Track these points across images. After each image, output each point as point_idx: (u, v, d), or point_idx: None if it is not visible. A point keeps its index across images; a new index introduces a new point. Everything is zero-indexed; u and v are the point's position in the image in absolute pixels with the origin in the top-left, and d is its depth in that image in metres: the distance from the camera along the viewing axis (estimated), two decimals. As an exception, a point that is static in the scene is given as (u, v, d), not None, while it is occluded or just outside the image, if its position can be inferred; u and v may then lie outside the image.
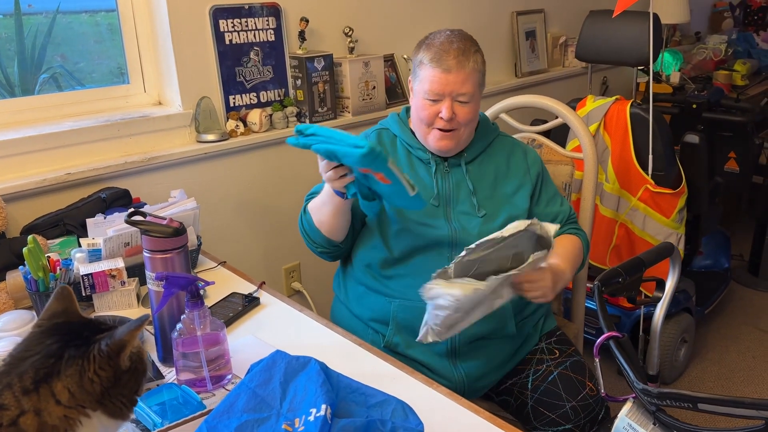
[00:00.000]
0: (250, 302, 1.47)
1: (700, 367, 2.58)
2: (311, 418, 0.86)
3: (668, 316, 2.40)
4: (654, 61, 2.21)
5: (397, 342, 1.44)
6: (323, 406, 0.86)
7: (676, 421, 1.05)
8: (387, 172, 1.23)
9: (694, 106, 2.79)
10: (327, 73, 2.24)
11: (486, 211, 1.46)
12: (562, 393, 1.41)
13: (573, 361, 1.46)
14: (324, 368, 0.96)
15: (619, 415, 1.10)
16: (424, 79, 1.42)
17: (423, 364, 1.43)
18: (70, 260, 1.44)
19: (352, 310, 1.55)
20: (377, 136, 1.56)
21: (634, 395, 1.11)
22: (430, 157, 1.49)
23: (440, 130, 1.43)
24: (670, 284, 1.32)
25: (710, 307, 2.74)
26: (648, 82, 2.22)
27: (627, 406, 1.11)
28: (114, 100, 2.04)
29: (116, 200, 1.73)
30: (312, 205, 1.48)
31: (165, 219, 1.23)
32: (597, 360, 1.19)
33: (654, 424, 1.08)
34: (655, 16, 2.19)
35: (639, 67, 2.45)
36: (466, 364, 1.43)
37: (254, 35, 2.13)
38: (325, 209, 1.43)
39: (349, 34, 2.32)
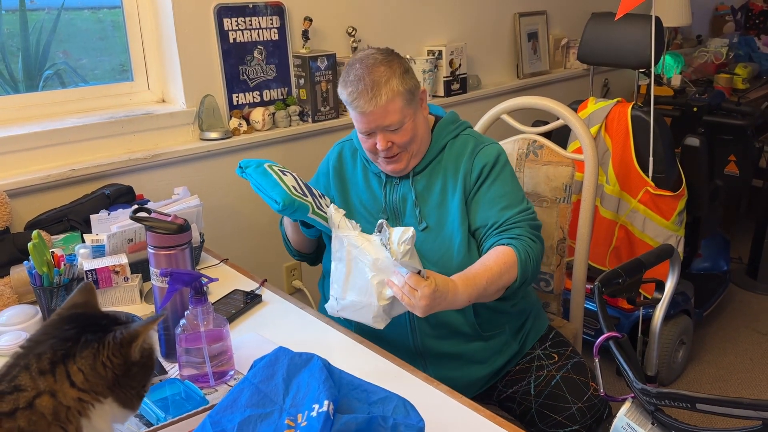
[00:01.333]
0: (252, 299, 1.48)
1: (698, 369, 2.59)
2: (314, 413, 0.87)
3: (667, 317, 2.40)
4: (655, 63, 2.22)
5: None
6: (326, 402, 0.87)
7: (675, 421, 1.06)
8: (310, 220, 1.35)
9: (695, 109, 2.80)
10: (330, 72, 2.25)
11: (428, 223, 1.44)
12: (568, 396, 1.41)
13: (574, 362, 1.47)
14: (326, 365, 0.97)
15: (617, 415, 1.11)
16: (353, 117, 1.42)
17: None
18: (74, 256, 1.45)
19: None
20: (339, 150, 1.59)
21: (632, 395, 1.12)
22: (380, 171, 1.50)
23: (384, 158, 1.44)
24: (669, 286, 1.33)
25: (709, 309, 2.75)
26: (649, 85, 2.23)
27: (626, 406, 1.12)
28: (118, 98, 2.05)
29: (120, 197, 1.74)
30: (284, 219, 1.58)
31: (169, 216, 1.24)
32: (596, 360, 1.20)
33: (652, 423, 1.09)
34: (657, 19, 2.20)
35: (640, 70, 2.46)
36: (435, 368, 1.41)
37: (258, 34, 2.14)
38: (288, 224, 1.55)
39: (353, 33, 2.33)
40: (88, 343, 0.75)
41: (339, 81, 1.44)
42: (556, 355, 1.49)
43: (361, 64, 1.39)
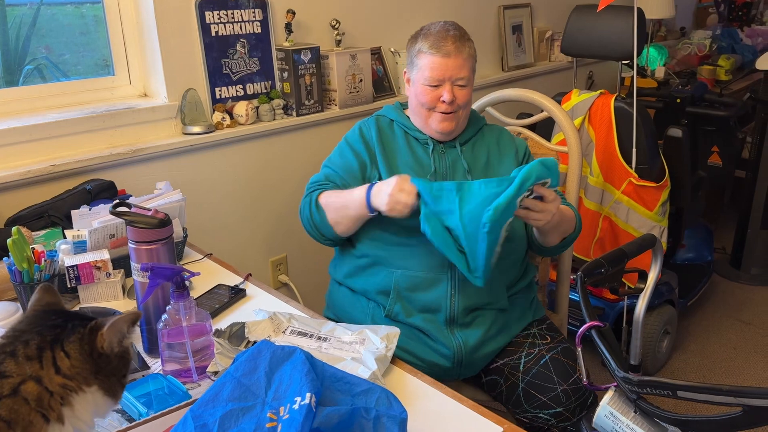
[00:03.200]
0: (236, 294, 1.47)
1: (682, 358, 2.61)
2: (296, 406, 0.87)
3: (651, 307, 2.43)
4: (638, 55, 2.23)
5: (397, 311, 1.49)
6: (308, 395, 0.87)
7: (657, 409, 1.07)
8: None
9: (678, 100, 2.82)
10: (314, 65, 2.23)
11: None
12: (554, 376, 1.44)
13: (564, 347, 1.51)
14: (309, 358, 0.96)
15: (600, 404, 1.12)
16: (423, 67, 1.51)
17: (423, 331, 1.48)
18: (55, 252, 1.43)
19: (353, 286, 1.58)
20: (375, 121, 1.64)
21: (615, 384, 1.13)
22: (428, 138, 1.58)
23: (441, 113, 1.53)
24: (652, 275, 1.34)
25: (693, 299, 2.78)
26: (632, 77, 2.24)
27: (609, 395, 1.13)
28: (99, 92, 2.03)
29: (101, 192, 1.72)
30: (328, 203, 1.52)
31: (150, 210, 1.23)
32: (579, 349, 1.21)
33: (635, 411, 1.10)
34: (639, 11, 2.21)
35: (624, 62, 2.47)
36: (464, 333, 1.48)
37: (240, 27, 2.12)
38: (347, 214, 1.49)
39: (336, 26, 2.31)
40: (75, 328, 0.76)
41: (411, 39, 1.56)
42: (549, 337, 1.54)
43: (445, 22, 1.55)
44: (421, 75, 1.52)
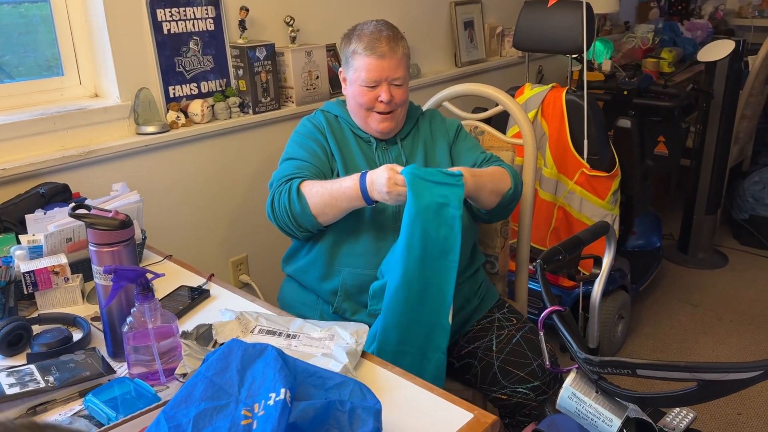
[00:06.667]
0: (200, 294, 1.46)
1: (636, 342, 2.71)
2: (271, 402, 0.87)
3: (606, 293, 2.51)
4: (587, 49, 2.30)
5: (345, 308, 1.52)
6: (282, 390, 0.88)
7: (617, 388, 1.11)
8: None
9: (625, 92, 2.90)
10: (269, 62, 2.22)
11: None
12: (528, 353, 1.51)
13: (531, 326, 1.58)
14: (281, 354, 0.97)
15: (563, 386, 1.16)
16: (359, 68, 1.52)
17: (369, 326, 1.48)
18: (11, 258, 1.39)
19: (303, 281, 1.61)
20: (324, 115, 1.65)
21: (577, 366, 1.17)
22: (370, 137, 1.61)
23: (379, 113, 1.55)
24: (606, 261, 1.39)
25: (644, 284, 2.88)
26: (582, 70, 2.31)
27: (571, 377, 1.16)
28: (48, 93, 1.97)
29: (55, 195, 1.68)
30: (312, 192, 1.44)
31: (110, 212, 1.21)
32: (541, 334, 1.24)
33: (596, 391, 1.14)
34: (588, 6, 2.27)
35: (573, 56, 2.53)
36: None
37: (193, 24, 2.09)
38: (337, 205, 1.42)
39: (291, 23, 2.30)
40: None
41: (344, 38, 1.57)
42: (514, 319, 1.60)
43: (377, 22, 1.56)
44: (357, 76, 1.53)
